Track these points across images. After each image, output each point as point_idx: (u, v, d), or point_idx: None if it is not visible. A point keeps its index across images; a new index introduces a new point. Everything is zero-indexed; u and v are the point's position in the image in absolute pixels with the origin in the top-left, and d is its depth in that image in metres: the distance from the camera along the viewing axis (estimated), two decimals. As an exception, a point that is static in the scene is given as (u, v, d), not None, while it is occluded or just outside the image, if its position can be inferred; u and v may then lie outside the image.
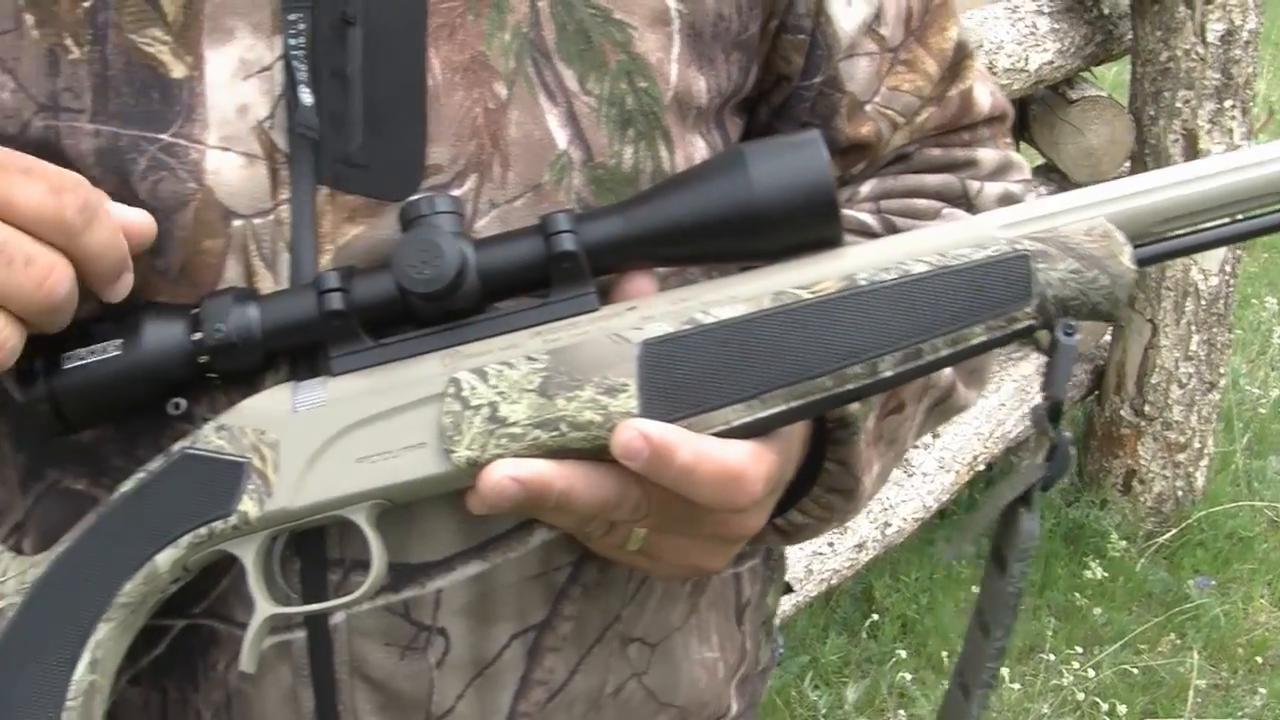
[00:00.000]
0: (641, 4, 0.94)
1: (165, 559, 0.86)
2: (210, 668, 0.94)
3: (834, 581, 3.34)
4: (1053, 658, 3.58)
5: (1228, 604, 3.86)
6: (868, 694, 3.49)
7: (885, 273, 0.85)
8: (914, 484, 3.53)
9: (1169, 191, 0.86)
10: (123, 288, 0.85)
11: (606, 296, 0.88)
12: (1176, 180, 0.86)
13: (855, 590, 3.78)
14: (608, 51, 0.93)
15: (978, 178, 1.12)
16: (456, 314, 0.87)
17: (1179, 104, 3.80)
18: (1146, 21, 3.81)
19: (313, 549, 0.91)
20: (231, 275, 0.89)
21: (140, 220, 0.86)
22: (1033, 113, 3.98)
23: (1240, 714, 3.51)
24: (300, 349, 0.88)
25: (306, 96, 0.88)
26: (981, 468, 3.86)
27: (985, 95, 1.13)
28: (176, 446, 0.87)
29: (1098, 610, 3.80)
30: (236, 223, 0.88)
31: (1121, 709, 3.42)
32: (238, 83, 0.88)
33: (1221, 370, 4.11)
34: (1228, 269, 3.96)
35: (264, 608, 0.87)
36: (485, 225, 0.90)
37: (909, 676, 3.49)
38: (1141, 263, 0.86)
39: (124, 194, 0.88)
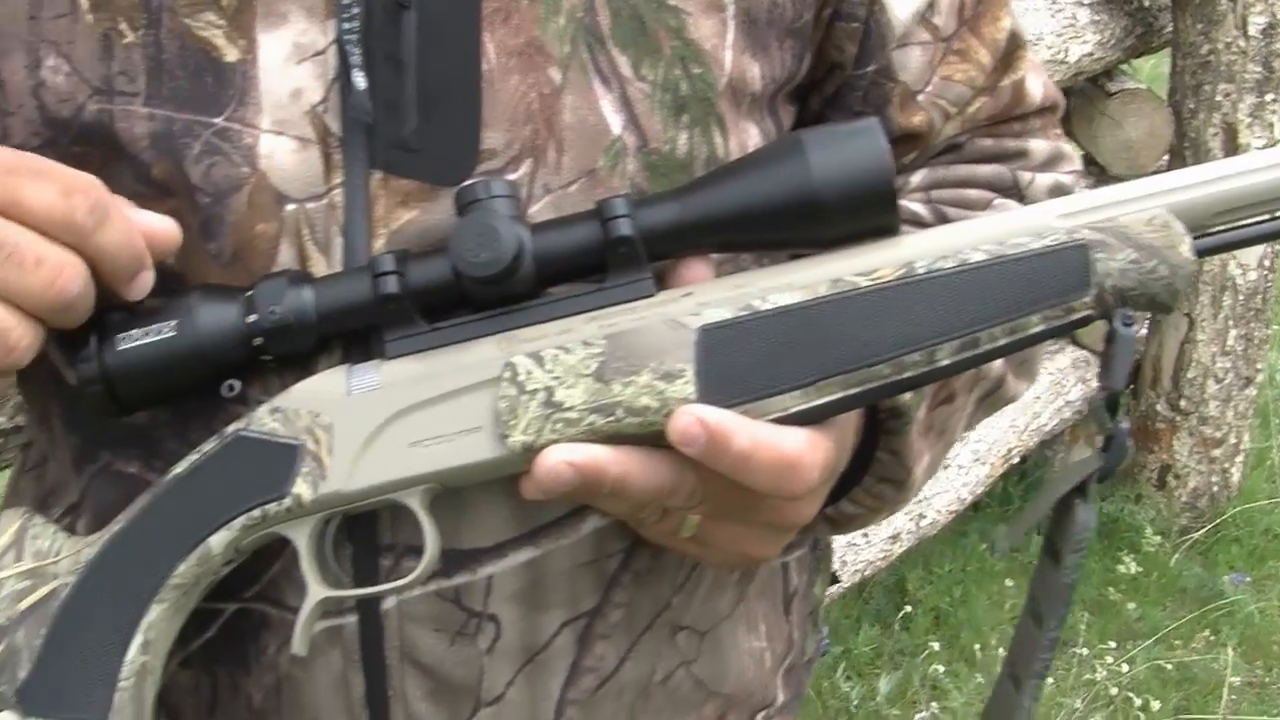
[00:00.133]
0: None
1: (218, 541, 0.86)
2: (261, 652, 0.94)
3: (868, 573, 3.34)
4: (1086, 652, 3.56)
5: (1263, 601, 3.83)
6: (900, 686, 3.48)
7: (943, 261, 0.84)
8: (948, 476, 3.52)
9: (1229, 182, 0.86)
10: (141, 286, 0.85)
11: (662, 282, 0.88)
12: (1236, 171, 0.86)
13: (888, 582, 3.77)
14: (662, 37, 0.93)
15: (1029, 168, 1.11)
16: (511, 298, 0.86)
17: (1219, 97, 3.78)
18: (1187, 14, 3.78)
19: (365, 534, 0.91)
20: (284, 259, 0.89)
21: (163, 226, 0.86)
22: (1071, 105, 3.95)
23: (1275, 712, 3.49)
24: (354, 332, 0.88)
25: (360, 81, 0.87)
26: (1016, 460, 3.85)
27: (1038, 86, 1.13)
28: (230, 428, 0.87)
29: (1131, 605, 3.78)
30: (289, 207, 0.88)
31: (1155, 705, 3.40)
32: (291, 67, 0.88)
33: (1259, 365, 4.08)
34: (1266, 264, 3.94)
35: (316, 591, 0.87)
36: (539, 210, 0.90)
37: (941, 669, 3.48)
38: (1200, 254, 0.86)
39: (177, 178, 0.88)
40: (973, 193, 1.09)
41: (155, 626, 0.86)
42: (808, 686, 1.24)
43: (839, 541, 3.14)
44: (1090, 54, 3.64)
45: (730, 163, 0.89)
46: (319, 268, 0.89)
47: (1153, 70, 5.56)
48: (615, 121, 0.91)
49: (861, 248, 0.86)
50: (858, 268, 0.85)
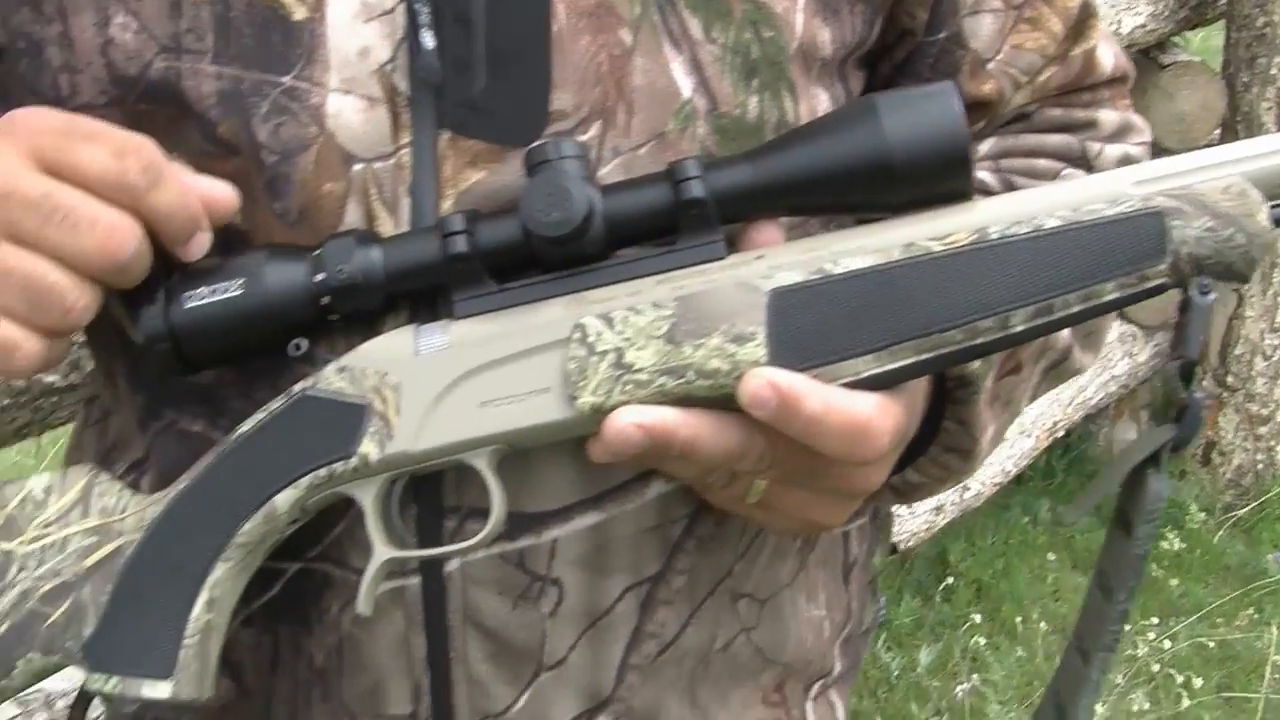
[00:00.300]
0: None
1: (284, 500, 0.86)
2: (323, 612, 0.94)
3: (911, 544, 3.33)
4: (1128, 628, 3.54)
5: (1307, 579, 3.82)
6: (940, 658, 3.47)
7: (1017, 226, 0.83)
8: (993, 448, 3.50)
9: None
10: (197, 247, 0.85)
11: (732, 245, 0.87)
12: None
13: (930, 553, 3.76)
14: (733, 0, 0.92)
15: (1098, 139, 1.10)
16: (580, 260, 0.86)
17: (1274, 70, 3.74)
18: (1243, -13, 3.75)
19: (429, 496, 0.91)
20: (351, 219, 0.89)
21: (220, 190, 0.86)
22: (1122, 77, 3.91)
23: (1318, 690, 3.48)
24: (421, 292, 0.87)
25: (429, 40, 0.87)
26: (1060, 434, 3.83)
27: (1109, 56, 1.11)
28: (297, 387, 0.87)
29: (1174, 582, 3.76)
30: (357, 167, 0.88)
31: (1197, 682, 3.39)
32: (359, 25, 0.88)
33: (1308, 343, 4.06)
34: (1317, 240, 3.90)
35: (382, 551, 0.86)
36: (608, 173, 0.89)
37: (982, 641, 3.48)
38: (1278, 223, 0.84)
39: (244, 137, 0.88)
40: (1041, 162, 1.08)
41: (220, 584, 0.86)
42: (864, 656, 1.23)
43: (883, 512, 3.13)
44: (1143, 25, 3.61)
45: (803, 125, 0.88)
46: (386, 228, 0.88)
47: (1202, 43, 5.51)
48: (686, 84, 0.91)
49: (934, 212, 0.85)
50: (931, 232, 0.84)
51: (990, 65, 1.05)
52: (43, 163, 0.81)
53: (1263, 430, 4.07)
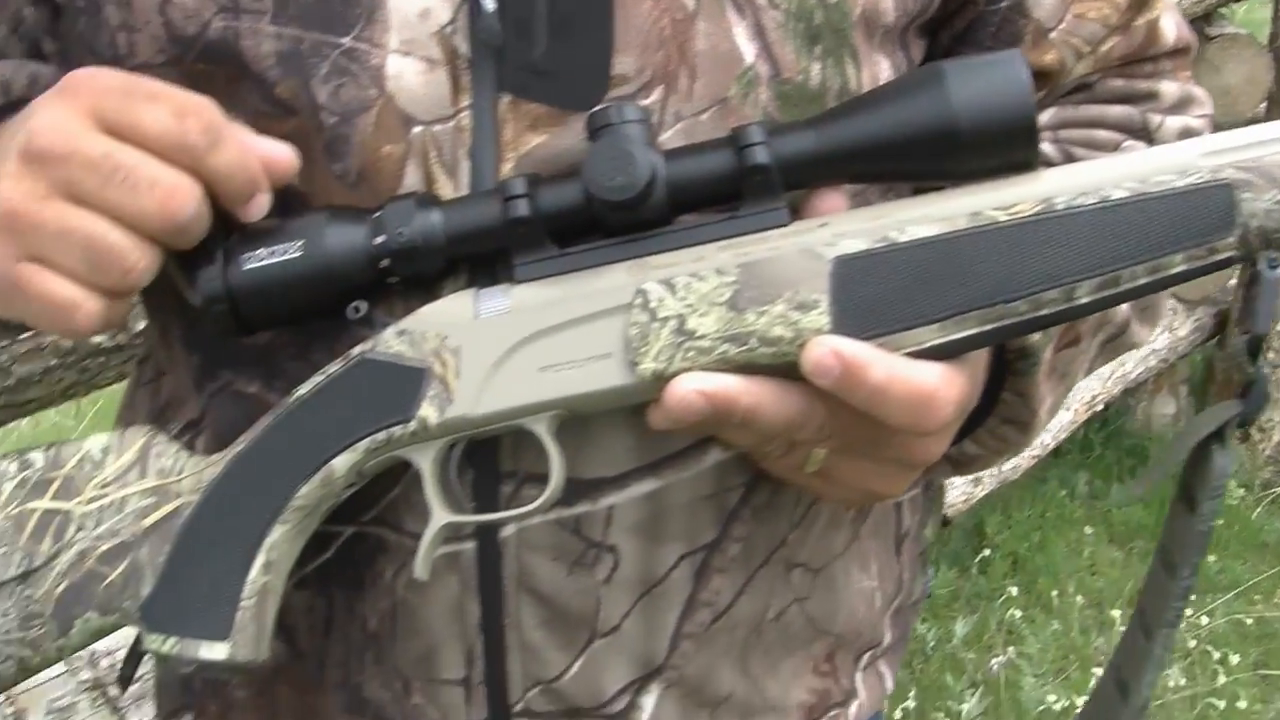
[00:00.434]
0: None
1: (342, 463, 0.85)
2: (377, 575, 0.94)
3: (948, 514, 3.32)
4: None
5: (1346, 558, 3.80)
6: (976, 630, 3.47)
7: (1084, 197, 0.82)
8: (1032, 421, 3.49)
9: None
10: (257, 208, 0.85)
11: (795, 213, 0.86)
12: None
13: (967, 525, 3.76)
14: None
15: (1159, 111, 1.09)
16: (642, 225, 0.85)
17: (1321, 44, 3.71)
18: (1291, -42, 3.72)
19: (486, 461, 0.90)
20: (411, 181, 0.88)
21: (280, 151, 0.85)
22: (1167, 49, 3.88)
23: (1356, 668, 3.46)
24: (480, 256, 0.87)
25: (489, 2, 0.86)
26: (1100, 408, 3.82)
27: (1171, 26, 1.10)
28: (356, 350, 0.86)
29: (1212, 558, 3.75)
30: (416, 129, 0.87)
31: (1234, 659, 3.38)
32: None
33: (1350, 318, 4.02)
34: (1362, 215, 3.86)
35: (440, 515, 0.86)
36: (670, 138, 0.88)
37: (1018, 614, 3.47)
38: None
39: (303, 97, 0.87)
40: (1101, 133, 1.07)
41: (277, 547, 0.86)
42: (913, 628, 1.23)
43: (921, 483, 3.12)
44: (1189, -4, 3.58)
45: (867, 92, 0.87)
46: (445, 191, 0.88)
47: (1246, 15, 5.46)
48: (748, 50, 0.90)
49: (999, 182, 0.84)
50: (996, 202, 0.83)
51: (1052, 35, 1.03)
52: (103, 123, 0.81)
53: (1304, 407, 4.06)
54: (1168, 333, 3.99)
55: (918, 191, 0.88)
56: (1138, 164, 0.83)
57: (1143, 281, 0.82)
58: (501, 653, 0.94)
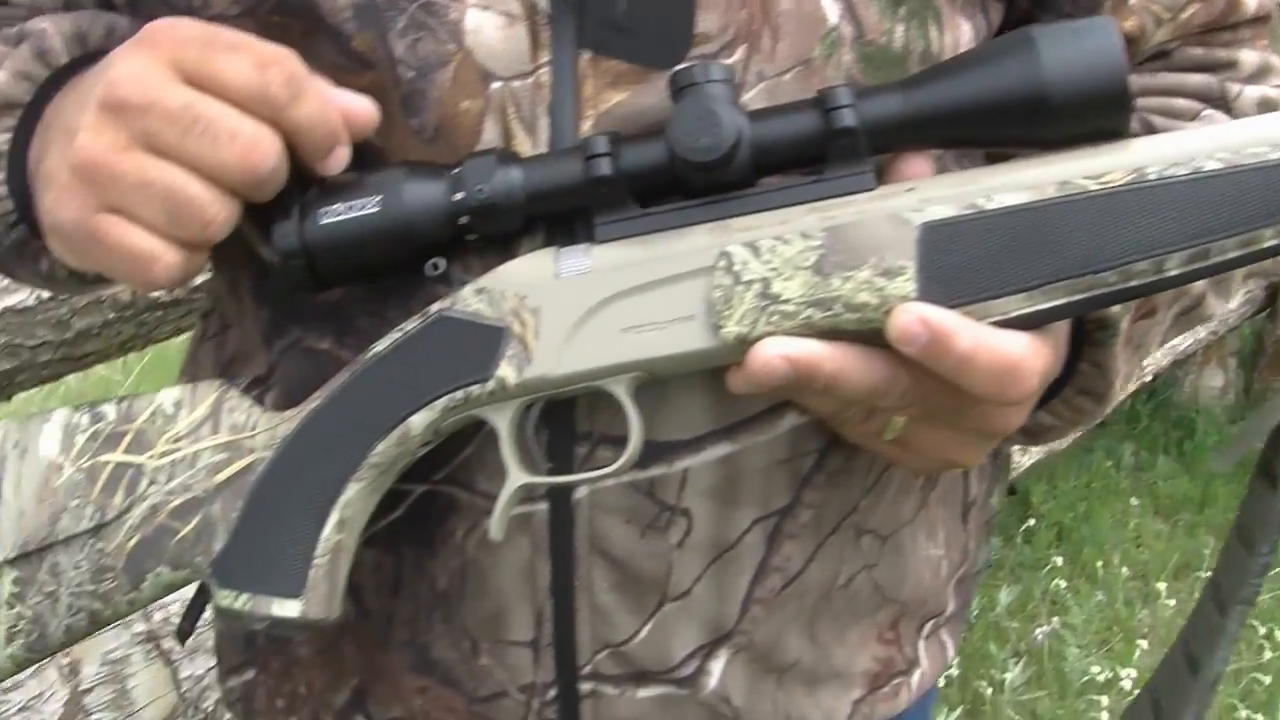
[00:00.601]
0: None
1: (419, 421, 0.85)
2: (448, 535, 0.93)
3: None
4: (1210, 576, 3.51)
5: (1394, 533, 3.76)
6: (1020, 599, 3.47)
7: (1176, 168, 0.81)
8: (1079, 392, 3.47)
9: None
10: (336, 162, 0.84)
11: (881, 177, 0.85)
12: None
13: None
14: None
15: (1237, 80, 1.07)
16: (725, 186, 0.84)
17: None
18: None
19: (562, 421, 0.90)
20: (489, 138, 0.87)
21: (360, 105, 0.85)
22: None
23: (1402, 645, 3.44)
24: (560, 215, 0.86)
25: None
26: (1148, 379, 3.80)
27: None
28: (434, 308, 0.85)
29: (1258, 532, 3.73)
30: (495, 85, 0.86)
31: (1279, 634, 3.36)
32: None
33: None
34: None
35: (517, 476, 0.85)
36: (752, 98, 0.87)
37: (1063, 584, 3.46)
38: None
39: (380, 51, 0.86)
40: (1180, 102, 1.05)
41: (351, 505, 0.86)
42: (973, 597, 1.22)
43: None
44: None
45: (956, 56, 0.86)
46: (524, 148, 0.87)
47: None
48: (832, 10, 0.88)
49: (1089, 150, 0.82)
50: (1087, 170, 0.81)
51: (1132, 1, 1.02)
52: (184, 73, 0.80)
53: (1354, 381, 4.02)
54: (1218, 305, 3.96)
55: (992, 159, 0.86)
56: (1230, 135, 0.82)
57: (1232, 255, 0.81)
58: (571, 615, 0.94)
